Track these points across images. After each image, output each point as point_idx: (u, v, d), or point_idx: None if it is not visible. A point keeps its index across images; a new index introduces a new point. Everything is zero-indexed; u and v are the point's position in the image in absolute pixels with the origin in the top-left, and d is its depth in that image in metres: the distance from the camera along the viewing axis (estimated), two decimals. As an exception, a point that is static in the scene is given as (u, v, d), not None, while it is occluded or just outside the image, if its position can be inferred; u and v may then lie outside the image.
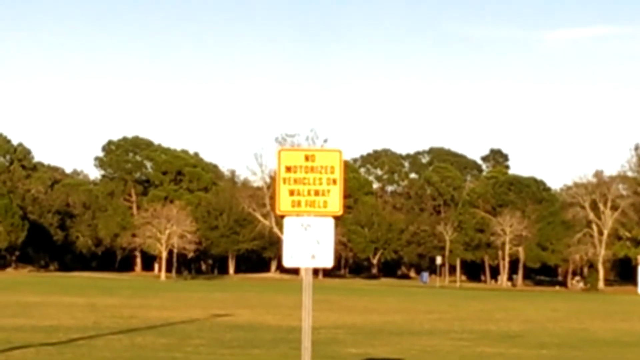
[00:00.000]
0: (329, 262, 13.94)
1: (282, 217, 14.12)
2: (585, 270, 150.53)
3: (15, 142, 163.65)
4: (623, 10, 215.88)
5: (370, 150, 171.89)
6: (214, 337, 32.56)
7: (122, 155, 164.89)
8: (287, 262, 14.14)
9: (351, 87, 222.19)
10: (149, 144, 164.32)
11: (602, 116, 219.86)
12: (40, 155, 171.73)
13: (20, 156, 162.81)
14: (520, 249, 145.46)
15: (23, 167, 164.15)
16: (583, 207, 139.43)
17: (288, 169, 13.79)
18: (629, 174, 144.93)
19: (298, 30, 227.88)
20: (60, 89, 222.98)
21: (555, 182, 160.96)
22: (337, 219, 14.01)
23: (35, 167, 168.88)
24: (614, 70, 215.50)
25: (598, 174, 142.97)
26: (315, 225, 13.84)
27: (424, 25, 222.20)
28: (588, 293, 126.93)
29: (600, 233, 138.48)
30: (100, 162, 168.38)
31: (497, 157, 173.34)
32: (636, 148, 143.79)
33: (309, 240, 13.87)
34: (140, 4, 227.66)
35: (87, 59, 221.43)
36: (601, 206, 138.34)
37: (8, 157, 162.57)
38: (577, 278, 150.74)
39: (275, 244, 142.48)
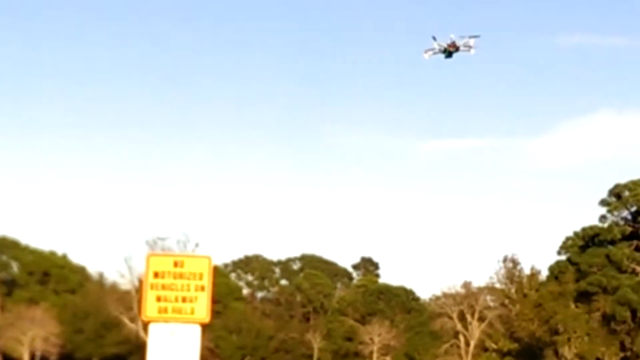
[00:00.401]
0: None
1: (147, 322, 14.67)
2: None
3: None
4: (497, 123, 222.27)
5: (241, 256, 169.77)
6: None
7: None
8: None
9: (224, 191, 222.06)
10: (15, 243, 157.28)
11: (472, 227, 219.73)
12: None
13: None
14: (388, 358, 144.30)
15: None
16: (451, 318, 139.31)
17: (156, 274, 14.50)
18: (497, 285, 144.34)
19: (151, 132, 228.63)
20: None
21: (425, 292, 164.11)
22: (204, 326, 14.57)
23: None
24: (485, 182, 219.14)
25: (466, 285, 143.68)
26: (181, 333, 14.41)
27: (299, 131, 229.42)
28: None
29: (467, 344, 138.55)
30: None
31: (368, 266, 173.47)
32: (504, 260, 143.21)
33: (174, 347, 14.43)
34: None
35: None
36: (469, 317, 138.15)
37: None
38: None
39: (142, 348, 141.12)
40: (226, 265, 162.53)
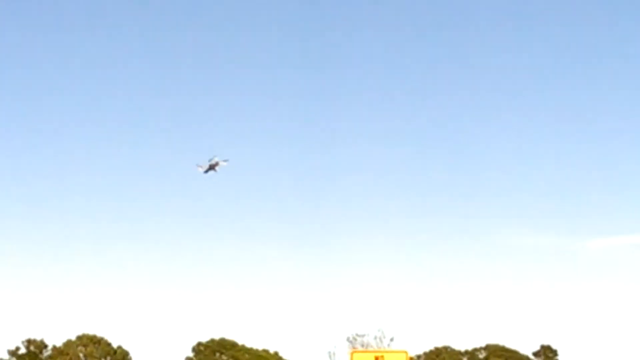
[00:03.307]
0: None
1: None
2: None
3: (114, 345, 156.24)
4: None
5: (432, 347, 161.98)
6: None
7: (210, 355, 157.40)
8: None
9: (415, 291, 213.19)
10: (233, 344, 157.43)
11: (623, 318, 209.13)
12: (137, 356, 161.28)
13: (119, 357, 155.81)
14: None
15: None
16: None
17: None
18: None
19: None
20: (151, 296, 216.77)
21: None
22: None
23: None
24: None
25: None
26: None
27: (475, 234, 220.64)
28: None
29: None
30: None
31: (547, 352, 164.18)
32: None
33: None
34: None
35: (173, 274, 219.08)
36: None
37: (108, 358, 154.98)
38: None
39: None
40: (419, 357, 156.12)
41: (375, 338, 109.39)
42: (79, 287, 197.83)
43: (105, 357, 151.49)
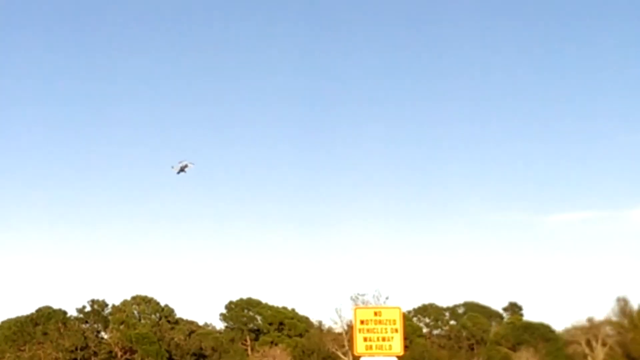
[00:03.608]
0: None
1: (359, 357, 15.51)
2: None
3: (162, 304, 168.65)
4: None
5: (419, 304, 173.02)
6: None
7: (239, 312, 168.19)
8: None
9: (404, 259, 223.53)
10: (258, 302, 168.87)
11: (596, 276, 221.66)
12: (181, 312, 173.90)
13: (166, 314, 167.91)
14: None
15: (168, 321, 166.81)
16: (580, 344, 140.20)
17: (362, 321, 15.34)
18: (614, 318, 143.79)
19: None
20: (192, 263, 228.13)
21: (559, 326, 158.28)
22: (398, 357, 14.76)
23: (177, 321, 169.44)
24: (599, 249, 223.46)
25: (590, 320, 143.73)
26: None
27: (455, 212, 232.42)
28: None
29: None
30: (223, 317, 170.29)
31: (514, 308, 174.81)
32: (618, 300, 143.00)
33: None
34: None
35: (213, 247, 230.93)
36: (594, 343, 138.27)
37: (157, 314, 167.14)
38: None
39: None
40: (409, 312, 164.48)
41: (374, 297, 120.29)
42: (133, 255, 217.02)
43: (155, 314, 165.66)
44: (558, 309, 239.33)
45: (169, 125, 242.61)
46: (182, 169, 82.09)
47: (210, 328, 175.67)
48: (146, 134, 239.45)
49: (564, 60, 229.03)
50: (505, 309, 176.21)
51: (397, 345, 15.30)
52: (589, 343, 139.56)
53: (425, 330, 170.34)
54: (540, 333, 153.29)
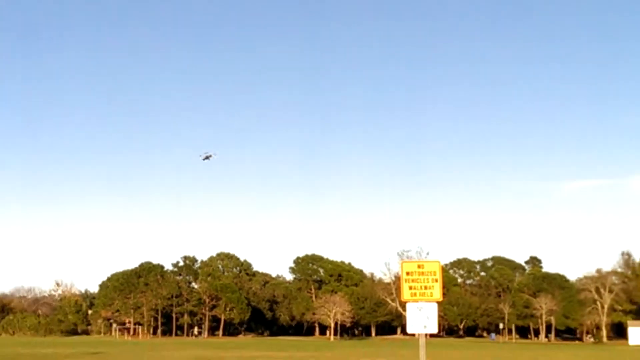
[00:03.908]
0: (434, 329, 15.81)
1: (405, 302, 16.28)
2: (594, 330, 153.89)
3: (242, 259, 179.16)
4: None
5: (455, 258, 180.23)
6: None
7: (305, 265, 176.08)
8: (409, 329, 16.19)
9: (442, 220, 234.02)
10: (321, 257, 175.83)
11: (604, 233, 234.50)
12: (257, 266, 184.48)
13: (245, 267, 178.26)
14: (552, 318, 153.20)
15: (247, 274, 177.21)
16: (590, 291, 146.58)
17: (407, 273, 15.95)
18: (619, 270, 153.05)
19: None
20: (266, 224, 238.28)
21: (572, 276, 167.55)
22: (438, 302, 15.75)
23: (254, 273, 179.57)
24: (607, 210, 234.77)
25: (599, 271, 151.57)
26: (425, 307, 15.73)
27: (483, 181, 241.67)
28: (596, 345, 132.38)
29: (602, 307, 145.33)
30: (292, 270, 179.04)
31: (535, 261, 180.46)
32: (622, 254, 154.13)
33: (422, 316, 15.84)
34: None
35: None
36: (602, 290, 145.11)
37: (238, 268, 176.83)
38: (589, 335, 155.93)
39: (399, 317, 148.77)
40: (446, 265, 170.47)
41: (417, 253, 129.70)
42: (218, 218, 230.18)
43: (235, 268, 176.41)
44: (572, 262, 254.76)
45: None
46: (207, 157, 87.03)
47: (281, 279, 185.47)
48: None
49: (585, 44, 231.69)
50: (527, 262, 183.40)
51: (437, 292, 15.65)
52: (597, 290, 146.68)
53: (459, 280, 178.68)
54: (557, 282, 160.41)
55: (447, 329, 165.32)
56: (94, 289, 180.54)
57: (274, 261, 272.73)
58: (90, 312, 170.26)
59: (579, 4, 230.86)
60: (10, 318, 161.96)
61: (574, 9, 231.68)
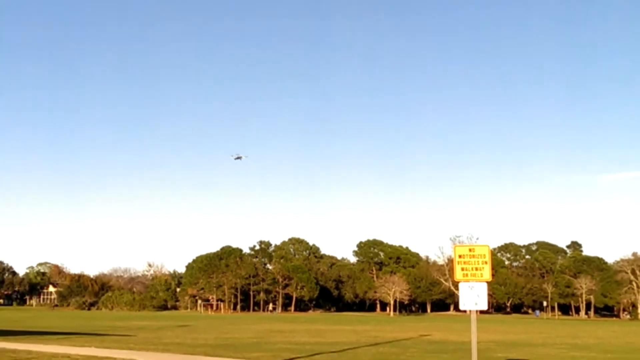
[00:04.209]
0: (484, 306, 15.49)
1: (457, 282, 16.06)
2: (630, 308, 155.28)
3: (311, 243, 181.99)
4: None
5: (502, 243, 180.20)
6: (422, 347, 34.59)
7: (367, 249, 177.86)
8: (462, 306, 15.91)
9: (493, 210, 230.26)
10: (381, 242, 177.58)
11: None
12: (324, 250, 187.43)
13: (313, 251, 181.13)
14: (592, 297, 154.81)
15: (315, 256, 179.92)
16: (627, 273, 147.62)
17: (460, 256, 15.75)
18: None
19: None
20: (332, 211, 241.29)
21: (610, 258, 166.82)
22: (487, 282, 15.56)
23: (322, 256, 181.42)
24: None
25: (635, 254, 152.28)
26: (476, 287, 15.54)
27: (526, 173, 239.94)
28: (632, 321, 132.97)
29: (638, 287, 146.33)
30: (355, 253, 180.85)
31: (576, 245, 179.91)
32: None
33: (473, 295, 15.67)
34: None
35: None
36: (637, 272, 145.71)
37: (307, 251, 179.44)
38: (625, 313, 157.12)
39: (452, 296, 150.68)
40: (494, 249, 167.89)
41: (467, 238, 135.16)
42: (289, 206, 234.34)
43: (305, 251, 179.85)
44: (610, 246, 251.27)
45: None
46: (238, 157, 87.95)
47: (346, 261, 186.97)
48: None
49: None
50: (568, 246, 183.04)
51: (487, 273, 15.32)
52: (633, 272, 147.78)
53: (506, 262, 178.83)
54: (596, 264, 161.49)
55: (495, 307, 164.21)
56: (182, 269, 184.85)
57: (340, 245, 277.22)
58: (178, 290, 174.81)
59: None
60: (109, 295, 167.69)
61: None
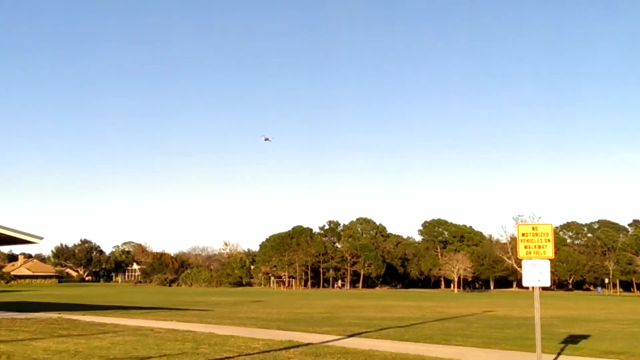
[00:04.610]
0: (547, 283, 15.14)
1: (520, 260, 15.51)
2: None
3: (377, 223, 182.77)
4: None
5: (564, 221, 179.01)
6: (486, 323, 34.06)
7: (432, 228, 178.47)
8: (525, 283, 15.66)
9: (553, 189, 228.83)
10: (445, 221, 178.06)
11: None
12: (390, 229, 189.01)
13: (380, 230, 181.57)
14: None
15: (382, 235, 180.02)
16: None
17: (523, 234, 15.42)
18: None
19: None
20: (398, 191, 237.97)
21: None
22: (550, 260, 15.18)
23: (388, 235, 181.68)
24: None
25: None
26: (539, 264, 15.18)
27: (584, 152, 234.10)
28: None
29: None
30: (420, 232, 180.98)
31: (637, 223, 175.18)
32: None
33: (536, 272, 15.30)
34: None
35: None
36: None
37: (374, 231, 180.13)
38: None
39: (514, 273, 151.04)
40: (557, 227, 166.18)
41: (529, 217, 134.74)
42: (356, 188, 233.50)
43: (372, 230, 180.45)
44: None
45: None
46: (266, 139, 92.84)
47: (411, 240, 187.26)
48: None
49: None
50: (630, 225, 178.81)
51: (550, 251, 15.04)
52: None
53: (568, 240, 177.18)
54: None
55: (557, 283, 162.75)
56: (255, 248, 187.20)
57: (405, 225, 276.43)
58: (252, 267, 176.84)
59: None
60: (188, 272, 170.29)
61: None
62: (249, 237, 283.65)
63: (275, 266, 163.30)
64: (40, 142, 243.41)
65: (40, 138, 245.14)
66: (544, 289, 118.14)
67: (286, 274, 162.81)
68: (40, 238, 35.09)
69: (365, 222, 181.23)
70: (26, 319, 30.67)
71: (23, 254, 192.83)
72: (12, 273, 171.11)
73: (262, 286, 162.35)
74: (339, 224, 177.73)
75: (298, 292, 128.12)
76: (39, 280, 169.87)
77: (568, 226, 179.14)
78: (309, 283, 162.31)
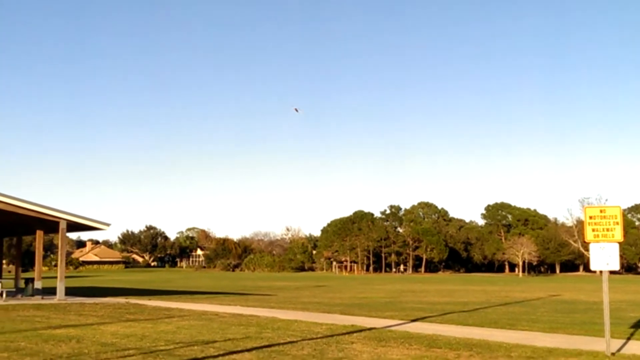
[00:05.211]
0: (616, 266, 14.91)
1: (587, 243, 15.27)
2: None
3: (439, 207, 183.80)
4: None
5: (632, 204, 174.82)
6: (552, 307, 33.76)
7: (495, 212, 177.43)
8: (593, 267, 15.31)
9: (617, 175, 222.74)
10: (509, 205, 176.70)
11: None
12: (453, 213, 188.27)
13: (442, 214, 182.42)
14: None
15: (444, 219, 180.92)
16: None
17: (590, 217, 15.10)
18: None
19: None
20: (463, 174, 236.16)
21: None
22: (619, 243, 14.76)
23: (451, 219, 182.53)
24: None
25: None
26: (607, 247, 14.87)
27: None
28: None
29: None
30: (483, 216, 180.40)
31: None
32: None
33: (604, 255, 14.95)
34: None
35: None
36: None
37: (436, 215, 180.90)
38: None
39: (581, 257, 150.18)
40: (624, 210, 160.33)
41: (596, 199, 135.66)
42: (419, 172, 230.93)
43: (434, 214, 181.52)
44: None
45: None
46: (296, 110, 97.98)
47: (474, 224, 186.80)
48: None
49: None
50: None
51: (618, 234, 14.74)
52: None
53: (637, 223, 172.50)
54: None
55: (626, 267, 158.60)
56: (317, 233, 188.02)
57: (468, 208, 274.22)
58: (314, 252, 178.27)
59: None
60: (251, 257, 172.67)
61: None
62: (311, 222, 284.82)
63: (337, 251, 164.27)
64: (109, 134, 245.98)
65: (111, 129, 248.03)
66: (612, 272, 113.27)
67: (348, 258, 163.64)
68: (108, 224, 35.90)
69: (426, 206, 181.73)
70: (94, 303, 31.48)
71: (91, 240, 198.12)
72: (81, 259, 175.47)
73: (324, 271, 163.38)
74: (400, 209, 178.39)
75: (360, 276, 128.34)
76: (106, 266, 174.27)
77: (636, 208, 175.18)
78: (370, 268, 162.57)
